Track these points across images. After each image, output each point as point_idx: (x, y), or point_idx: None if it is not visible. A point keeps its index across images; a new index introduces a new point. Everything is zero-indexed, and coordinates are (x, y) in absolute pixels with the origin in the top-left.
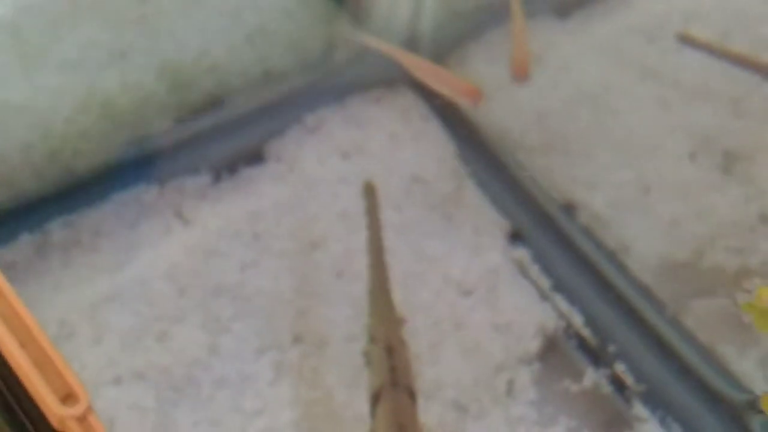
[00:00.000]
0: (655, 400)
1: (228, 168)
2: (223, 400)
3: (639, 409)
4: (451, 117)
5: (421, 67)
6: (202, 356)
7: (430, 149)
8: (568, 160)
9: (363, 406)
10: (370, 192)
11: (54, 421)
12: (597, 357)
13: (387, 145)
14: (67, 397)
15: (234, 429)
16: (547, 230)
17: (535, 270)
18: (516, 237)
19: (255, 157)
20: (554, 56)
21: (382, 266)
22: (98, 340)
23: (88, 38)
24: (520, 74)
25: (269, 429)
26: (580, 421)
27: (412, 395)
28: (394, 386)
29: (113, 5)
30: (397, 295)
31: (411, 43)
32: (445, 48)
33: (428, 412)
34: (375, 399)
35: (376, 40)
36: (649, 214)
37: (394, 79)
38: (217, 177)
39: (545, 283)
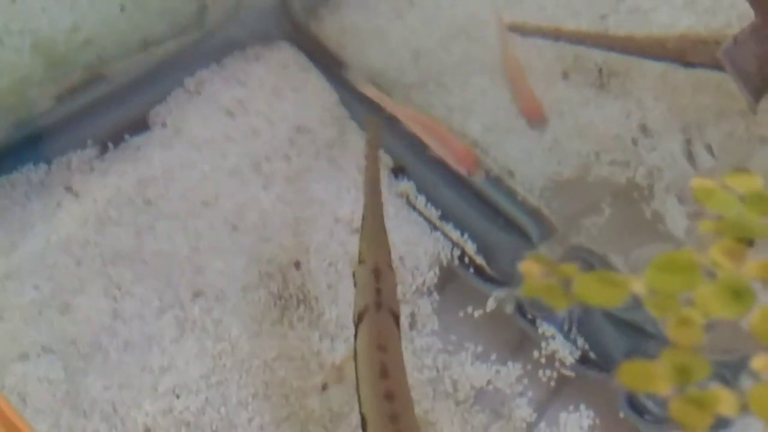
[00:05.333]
0: (557, 317)
1: (113, 139)
2: (130, 362)
3: (544, 327)
4: (330, 66)
5: (417, 121)
6: (106, 323)
7: (312, 99)
8: (443, 91)
9: (269, 354)
10: (371, 125)
11: None
12: (496, 281)
13: (270, 100)
14: None
15: (145, 389)
16: (427, 162)
17: (421, 201)
18: (399, 171)
19: (140, 126)
20: None
21: (377, 195)
22: (0, 318)
23: None
24: (536, 119)
25: (179, 385)
26: (486, 346)
27: (395, 317)
28: (378, 307)
29: None
30: (291, 240)
31: None
32: None
33: (334, 351)
34: (359, 319)
35: (378, 92)
36: (527, 136)
37: (271, 35)
38: (104, 148)
39: (433, 213)
